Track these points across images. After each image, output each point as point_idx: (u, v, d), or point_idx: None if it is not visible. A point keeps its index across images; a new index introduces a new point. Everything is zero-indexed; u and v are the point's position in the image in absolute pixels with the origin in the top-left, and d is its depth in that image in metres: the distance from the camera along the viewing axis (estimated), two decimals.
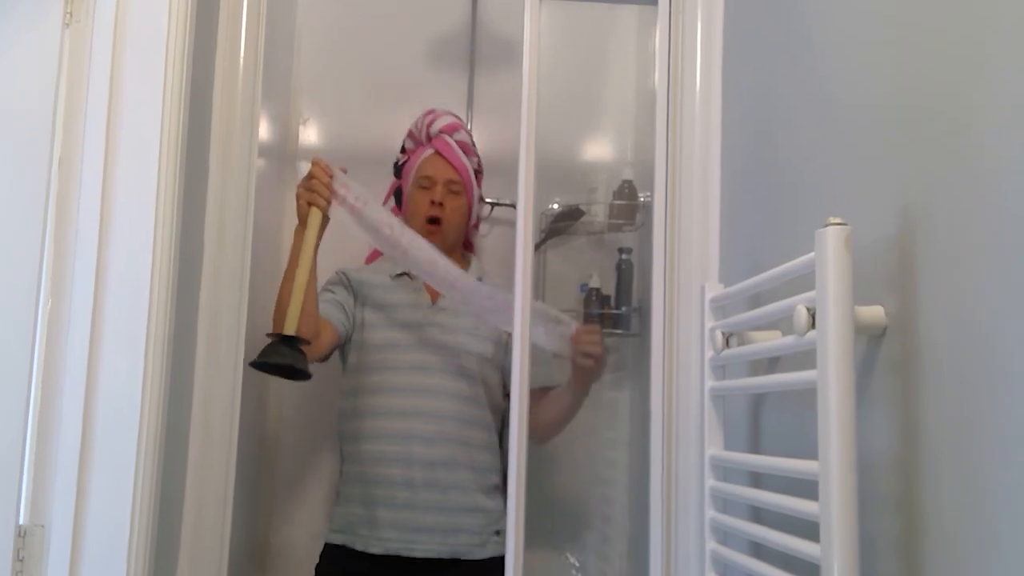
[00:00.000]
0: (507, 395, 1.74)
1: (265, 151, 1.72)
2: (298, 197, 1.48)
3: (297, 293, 1.41)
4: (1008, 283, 0.69)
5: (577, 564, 2.01)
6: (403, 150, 1.84)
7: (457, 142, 1.76)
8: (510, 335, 1.68)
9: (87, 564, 1.06)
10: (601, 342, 1.62)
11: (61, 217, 1.09)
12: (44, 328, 1.07)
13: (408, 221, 1.71)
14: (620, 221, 1.93)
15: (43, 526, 1.06)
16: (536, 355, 1.47)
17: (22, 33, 1.12)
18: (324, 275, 1.61)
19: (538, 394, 1.68)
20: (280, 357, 1.37)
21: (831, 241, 0.81)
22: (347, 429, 1.66)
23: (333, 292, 1.68)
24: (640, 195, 1.91)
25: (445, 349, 1.65)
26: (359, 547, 1.58)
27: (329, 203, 1.49)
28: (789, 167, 1.15)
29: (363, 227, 1.55)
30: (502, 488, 1.67)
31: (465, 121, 2.11)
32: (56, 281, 1.08)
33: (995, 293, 0.71)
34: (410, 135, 1.82)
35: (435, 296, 1.70)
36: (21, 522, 1.05)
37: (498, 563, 1.58)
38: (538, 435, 1.68)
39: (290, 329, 1.39)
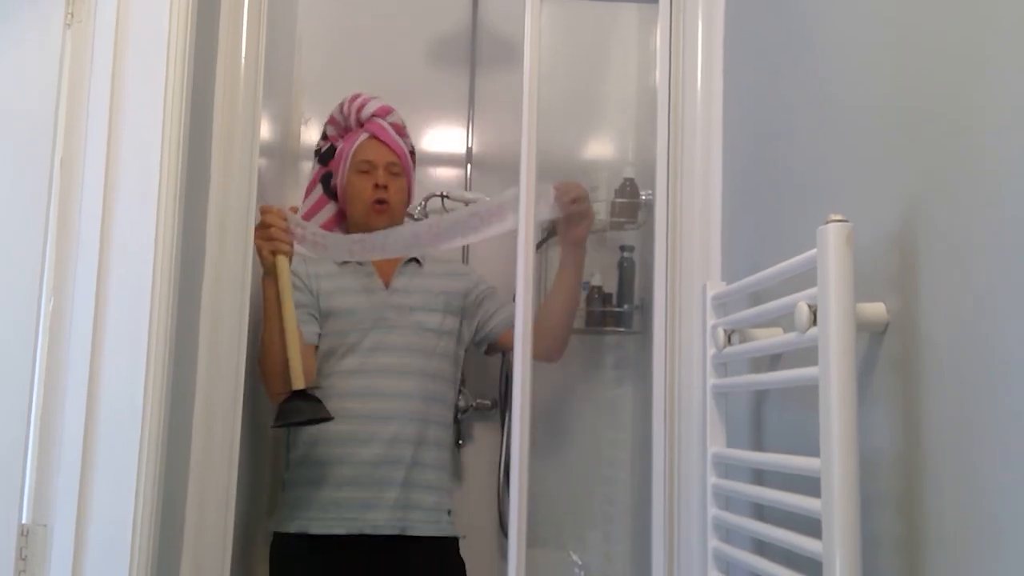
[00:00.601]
0: (476, 342, 1.80)
1: (267, 151, 1.72)
2: (259, 249, 1.48)
3: (293, 345, 1.44)
4: (1009, 281, 0.69)
5: (580, 562, 2.01)
6: (324, 136, 1.84)
7: (391, 124, 1.77)
8: (467, 294, 1.75)
9: (90, 563, 1.06)
10: (582, 191, 1.64)
11: (63, 217, 1.09)
12: (46, 327, 1.07)
13: (350, 205, 1.74)
14: (622, 219, 1.93)
15: (45, 525, 1.06)
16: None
17: (24, 33, 1.12)
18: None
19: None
20: (301, 415, 1.42)
21: (832, 238, 0.81)
22: None
23: (297, 302, 1.67)
24: (641, 193, 1.91)
25: (405, 328, 1.67)
26: (316, 530, 1.58)
27: (292, 246, 1.52)
28: (790, 165, 1.15)
29: (332, 251, 1.58)
30: (450, 465, 1.75)
31: (468, 119, 2.11)
32: (58, 280, 1.08)
33: (996, 290, 0.71)
34: (332, 122, 1.82)
35: (387, 279, 1.72)
36: (24, 521, 1.05)
37: (445, 543, 1.65)
38: (548, 343, 1.70)
39: (298, 384, 1.43)
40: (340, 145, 1.79)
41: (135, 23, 1.15)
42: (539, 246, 2.03)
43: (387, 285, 1.72)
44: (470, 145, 2.12)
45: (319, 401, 1.46)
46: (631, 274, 1.94)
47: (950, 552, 0.75)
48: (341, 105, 1.80)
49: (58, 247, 1.09)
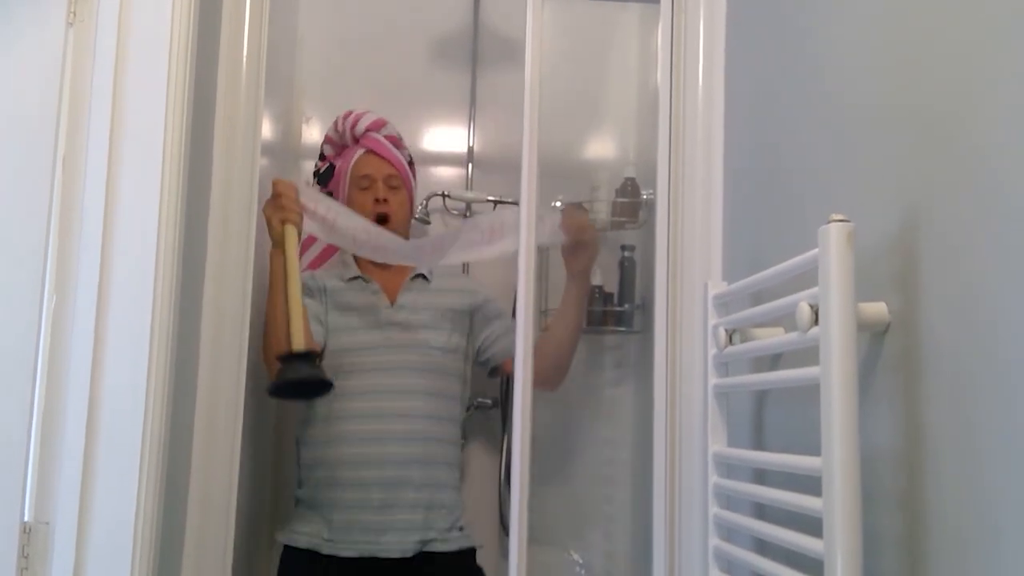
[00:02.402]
0: (479, 362, 1.78)
1: (268, 150, 1.72)
2: (269, 219, 1.48)
3: (295, 308, 1.41)
4: (1011, 280, 0.69)
5: (581, 561, 2.01)
6: (322, 156, 1.84)
7: (386, 137, 1.77)
8: (474, 312, 1.74)
9: (92, 561, 1.06)
10: (588, 222, 1.63)
11: (65, 215, 1.10)
12: (48, 325, 1.08)
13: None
14: (623, 219, 1.93)
15: (47, 523, 1.06)
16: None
17: (26, 32, 1.13)
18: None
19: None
20: (300, 373, 1.37)
21: (834, 238, 0.81)
22: (311, 434, 1.64)
23: (305, 305, 1.68)
24: (643, 192, 1.91)
25: (410, 347, 1.65)
26: (326, 551, 1.56)
27: (301, 218, 1.50)
28: (791, 165, 1.15)
29: (337, 236, 1.56)
30: (460, 482, 1.72)
31: (469, 118, 2.11)
32: (60, 278, 1.09)
33: (998, 290, 0.71)
34: (328, 141, 1.82)
35: (393, 296, 1.70)
36: (26, 519, 1.05)
37: (463, 555, 1.63)
38: (549, 374, 1.67)
39: (298, 344, 1.38)
40: (339, 164, 1.79)
41: (137, 22, 1.15)
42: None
43: (392, 302, 1.70)
44: (471, 144, 2.12)
45: (317, 366, 1.41)
46: (632, 274, 1.94)
47: (951, 550, 0.75)
48: (335, 123, 1.79)
49: (60, 245, 1.09)
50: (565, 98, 2.08)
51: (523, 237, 1.33)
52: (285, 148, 2.01)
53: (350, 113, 1.78)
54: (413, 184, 1.80)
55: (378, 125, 1.77)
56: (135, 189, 1.12)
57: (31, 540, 1.05)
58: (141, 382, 1.10)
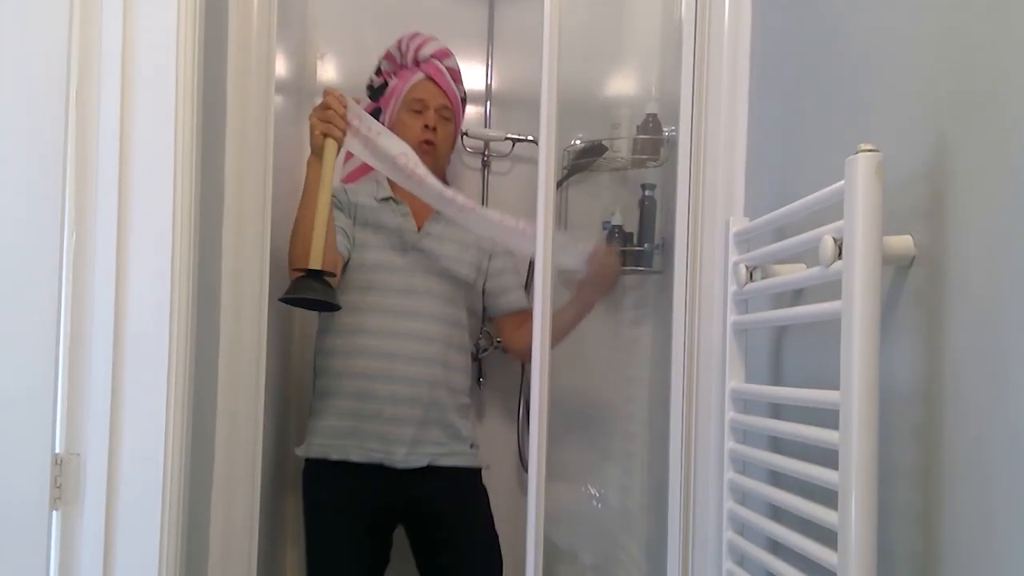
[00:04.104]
0: (487, 319, 1.87)
1: (282, 87, 1.70)
2: (312, 127, 1.47)
3: (320, 227, 1.42)
4: None
5: (597, 494, 2.05)
6: (379, 72, 1.82)
7: (448, 68, 1.76)
8: (491, 261, 1.78)
9: (124, 489, 1.10)
10: (617, 264, 1.71)
11: (81, 150, 1.09)
12: (70, 260, 1.08)
13: None
14: (644, 156, 1.90)
15: (78, 454, 1.09)
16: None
17: None
18: None
19: (516, 319, 1.79)
20: (311, 292, 1.40)
21: (862, 169, 0.79)
22: (329, 345, 1.69)
23: (334, 217, 1.69)
24: (664, 130, 1.87)
25: (431, 274, 1.68)
26: (336, 456, 1.64)
27: (344, 134, 1.48)
28: (817, 96, 1.12)
29: (376, 158, 1.54)
30: (471, 407, 1.79)
31: (487, 55, 2.07)
32: (79, 213, 1.09)
33: None
34: (388, 57, 1.80)
35: (421, 222, 1.72)
36: (57, 451, 1.08)
37: (469, 473, 1.71)
38: (525, 354, 1.74)
39: (316, 263, 1.41)
40: (393, 82, 1.78)
41: None
42: (560, 183, 2.01)
43: (419, 228, 1.72)
44: (489, 82, 2.08)
45: (331, 288, 1.44)
46: (652, 213, 1.92)
47: (970, 482, 0.75)
48: (399, 41, 1.78)
49: (77, 180, 1.09)
50: (585, 33, 2.03)
51: (541, 175, 1.32)
52: (300, 86, 1.98)
53: (416, 34, 1.77)
54: (462, 121, 1.81)
55: (443, 54, 1.76)
56: (149, 125, 1.12)
57: (63, 471, 1.08)
58: (164, 313, 1.11)
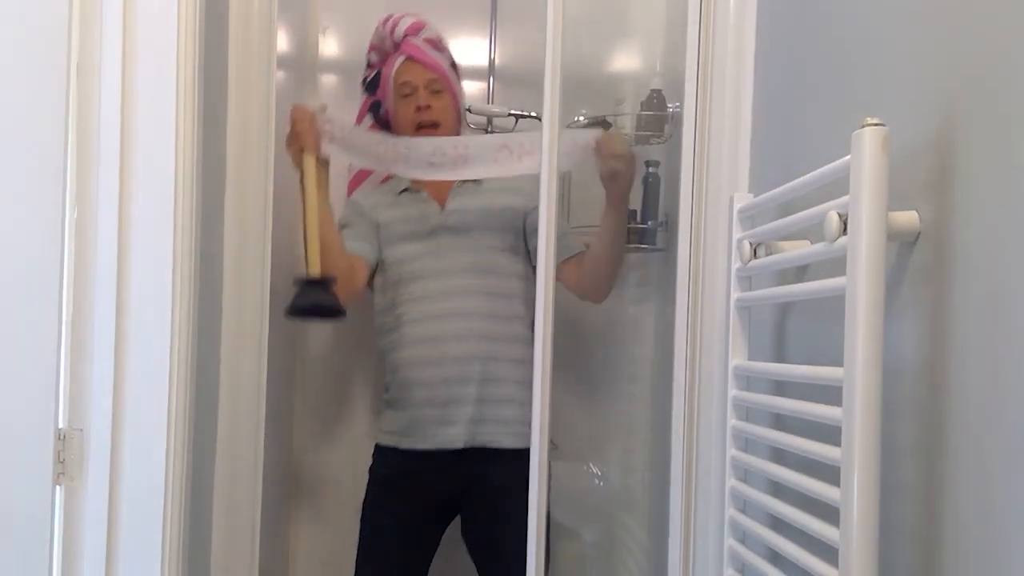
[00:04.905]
0: (533, 267, 1.80)
1: (284, 62, 1.69)
2: (288, 148, 1.49)
3: (312, 236, 1.44)
4: None
5: (599, 473, 2.06)
6: (369, 65, 1.81)
7: (425, 40, 1.73)
8: (527, 215, 1.74)
9: (127, 464, 1.10)
10: (626, 148, 1.61)
11: (82, 124, 1.09)
12: (71, 235, 1.08)
13: (399, 132, 1.72)
14: (648, 133, 1.88)
15: (82, 429, 1.09)
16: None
17: None
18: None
19: (572, 262, 1.72)
20: (307, 298, 1.41)
21: (868, 143, 0.78)
22: (384, 342, 1.72)
23: (352, 225, 1.72)
24: (669, 106, 1.86)
25: (462, 250, 1.68)
26: (405, 447, 1.67)
27: (319, 143, 1.50)
28: (825, 70, 1.10)
29: (358, 155, 1.56)
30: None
31: (490, 31, 2.05)
32: (81, 188, 1.08)
33: None
34: (373, 48, 1.79)
35: (443, 201, 1.72)
36: (60, 426, 1.08)
37: (521, 454, 1.65)
38: (592, 288, 1.73)
39: (313, 270, 1.42)
40: (383, 71, 1.77)
41: None
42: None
43: (442, 207, 1.71)
44: (493, 57, 2.06)
45: (330, 292, 1.44)
46: (656, 190, 1.91)
47: (973, 460, 0.75)
48: (377, 28, 1.76)
49: (79, 154, 1.09)
50: (589, 8, 2.01)
51: (545, 155, 1.30)
52: (302, 61, 1.97)
53: (389, 17, 1.75)
54: (459, 86, 1.78)
55: (415, 29, 1.73)
56: (150, 100, 1.11)
57: (66, 446, 1.09)
58: (166, 288, 1.11)
